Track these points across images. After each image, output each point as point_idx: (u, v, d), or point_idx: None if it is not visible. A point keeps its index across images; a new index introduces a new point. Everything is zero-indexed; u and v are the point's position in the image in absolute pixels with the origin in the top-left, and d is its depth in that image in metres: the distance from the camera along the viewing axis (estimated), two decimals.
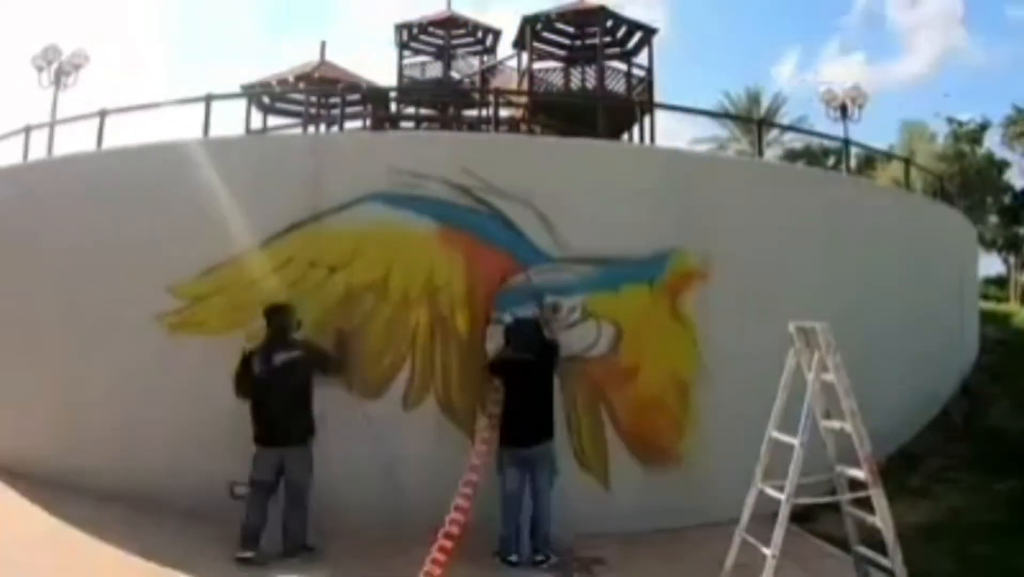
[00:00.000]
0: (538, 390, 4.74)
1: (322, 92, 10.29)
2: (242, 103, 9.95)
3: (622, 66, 11.06)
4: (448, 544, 4.13)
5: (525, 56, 10.85)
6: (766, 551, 3.77)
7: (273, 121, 11.31)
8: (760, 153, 9.37)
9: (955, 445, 7.22)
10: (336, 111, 9.57)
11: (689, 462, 5.35)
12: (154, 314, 5.37)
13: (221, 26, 57.10)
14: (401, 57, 12.34)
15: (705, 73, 47.10)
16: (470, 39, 12.58)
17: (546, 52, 11.30)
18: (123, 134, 8.58)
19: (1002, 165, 23.49)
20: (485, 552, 4.53)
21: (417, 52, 12.56)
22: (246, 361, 4.67)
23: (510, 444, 4.66)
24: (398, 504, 4.87)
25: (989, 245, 22.92)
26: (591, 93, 10.46)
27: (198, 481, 4.89)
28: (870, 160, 21.61)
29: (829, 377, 3.94)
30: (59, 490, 5.27)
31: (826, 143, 20.56)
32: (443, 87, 12.21)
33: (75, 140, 8.80)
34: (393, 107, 11.94)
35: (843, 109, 10.94)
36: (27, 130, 7.62)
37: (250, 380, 4.64)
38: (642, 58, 11.00)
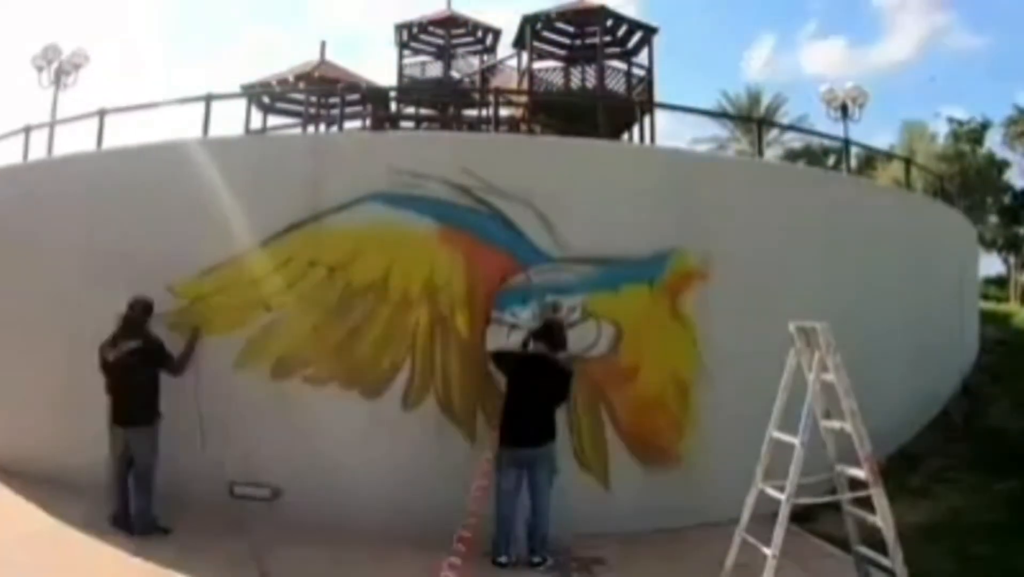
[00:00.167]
0: (542, 390, 4.65)
1: (322, 92, 10.31)
2: (242, 103, 9.97)
3: (622, 66, 11.04)
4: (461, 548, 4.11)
5: (525, 55, 10.83)
6: (766, 551, 3.77)
7: (273, 121, 11.31)
8: (760, 153, 9.38)
9: (955, 445, 7.22)
10: (336, 111, 9.57)
11: (689, 462, 5.35)
12: (154, 313, 5.33)
13: (221, 26, 57.11)
14: (401, 57, 12.34)
15: (681, 66, 46.65)
16: (470, 39, 12.58)
17: (546, 51, 11.28)
18: (123, 134, 8.59)
19: (1002, 165, 23.54)
20: (483, 552, 4.50)
21: (417, 52, 12.56)
22: (102, 347, 4.98)
23: (510, 444, 4.59)
24: None
25: (989, 245, 22.95)
26: (591, 93, 10.44)
27: (198, 476, 4.90)
28: (870, 160, 21.63)
29: (829, 377, 3.94)
30: (56, 488, 5.28)
31: (826, 143, 20.59)
32: (443, 87, 12.21)
33: (75, 140, 8.83)
34: (393, 107, 11.94)
35: (844, 109, 10.91)
36: (27, 130, 7.62)
37: (103, 364, 4.97)
38: (642, 58, 10.99)
